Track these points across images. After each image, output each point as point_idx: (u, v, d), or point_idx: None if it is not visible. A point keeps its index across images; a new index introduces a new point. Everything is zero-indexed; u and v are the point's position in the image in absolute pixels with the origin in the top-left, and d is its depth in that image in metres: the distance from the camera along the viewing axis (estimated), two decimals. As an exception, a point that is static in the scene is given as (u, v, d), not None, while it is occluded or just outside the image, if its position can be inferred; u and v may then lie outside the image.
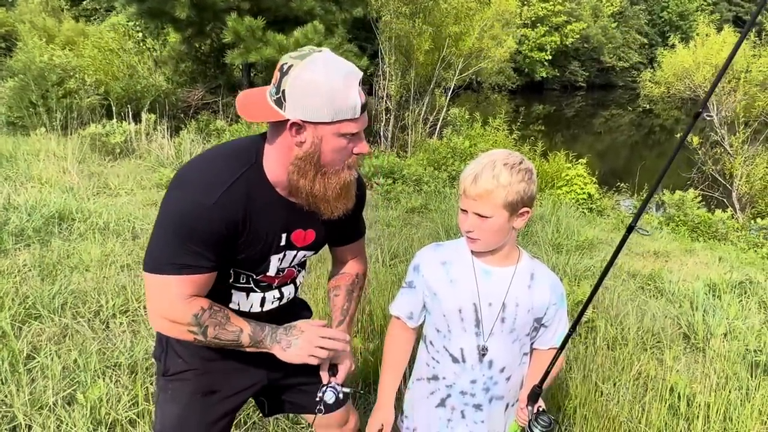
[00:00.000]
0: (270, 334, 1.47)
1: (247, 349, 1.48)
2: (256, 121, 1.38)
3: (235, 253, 1.43)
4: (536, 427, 1.40)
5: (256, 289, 1.59)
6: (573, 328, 1.46)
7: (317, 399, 1.58)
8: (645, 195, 9.72)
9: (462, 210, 1.51)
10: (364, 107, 1.34)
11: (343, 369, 1.63)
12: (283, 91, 1.31)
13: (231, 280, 1.53)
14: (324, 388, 1.58)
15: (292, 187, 1.41)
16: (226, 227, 1.36)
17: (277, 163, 1.40)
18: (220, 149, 1.48)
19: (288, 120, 1.32)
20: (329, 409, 1.69)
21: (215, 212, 1.33)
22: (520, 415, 1.54)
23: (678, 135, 12.82)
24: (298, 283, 1.72)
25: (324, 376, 1.61)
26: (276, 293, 1.63)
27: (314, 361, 1.47)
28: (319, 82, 1.28)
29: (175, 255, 1.35)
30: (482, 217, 1.46)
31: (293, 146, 1.36)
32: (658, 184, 1.36)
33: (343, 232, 1.69)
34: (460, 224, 1.53)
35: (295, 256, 1.59)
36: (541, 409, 1.45)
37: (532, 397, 1.46)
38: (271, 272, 1.56)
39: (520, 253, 1.62)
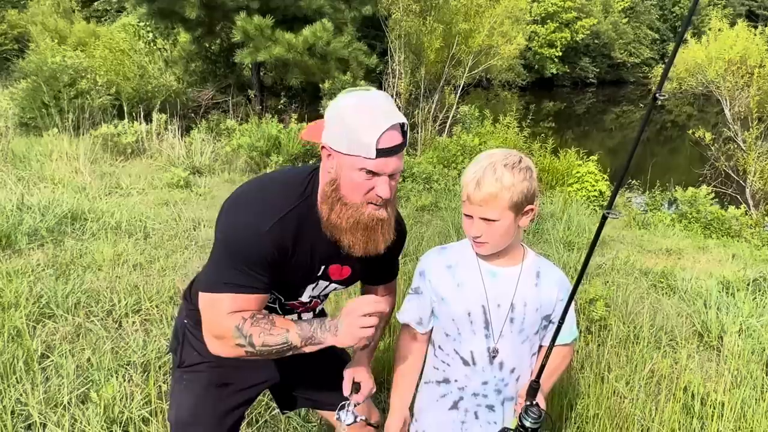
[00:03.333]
0: (319, 327, 1.44)
1: (305, 349, 1.44)
2: (307, 138, 1.47)
3: (279, 276, 1.47)
4: (526, 419, 1.41)
5: (280, 312, 1.64)
6: (569, 302, 1.45)
7: (336, 417, 1.60)
8: (651, 191, 9.65)
9: (467, 215, 1.50)
10: (387, 152, 1.34)
11: (366, 388, 1.62)
12: (325, 116, 1.40)
13: None
14: (344, 408, 1.59)
15: (323, 216, 1.44)
16: (278, 252, 1.42)
17: (320, 191, 1.46)
18: (279, 176, 1.57)
19: (323, 145, 1.40)
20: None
21: (268, 238, 1.39)
22: (517, 410, 1.54)
23: (690, 131, 12.68)
24: (317, 312, 1.76)
25: (346, 389, 1.60)
26: (295, 317, 1.68)
27: (368, 333, 1.39)
28: (345, 112, 1.35)
29: (228, 275, 1.40)
30: (489, 221, 1.45)
31: (326, 173, 1.42)
32: (628, 164, 1.35)
33: (376, 271, 1.71)
34: (466, 230, 1.52)
35: (326, 287, 1.63)
36: (534, 403, 1.44)
37: (530, 392, 1.45)
38: (303, 299, 1.60)
39: (525, 251, 1.61)
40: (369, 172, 1.35)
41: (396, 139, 1.35)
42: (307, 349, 1.44)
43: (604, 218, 1.34)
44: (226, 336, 1.41)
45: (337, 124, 1.35)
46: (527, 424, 1.40)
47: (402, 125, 1.37)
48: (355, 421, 1.59)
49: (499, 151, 1.49)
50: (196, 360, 1.66)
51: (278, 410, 2.04)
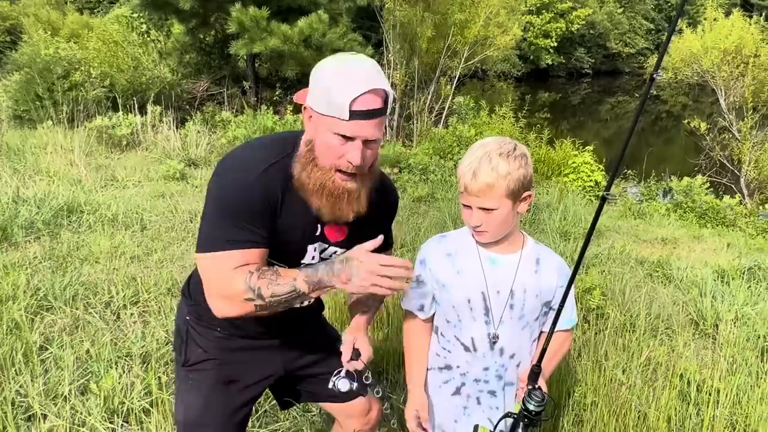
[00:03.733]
0: (326, 271, 1.38)
1: (312, 295, 1.41)
2: (296, 101, 1.50)
3: (276, 234, 1.45)
4: (530, 403, 1.42)
5: None
6: (570, 282, 1.46)
7: (330, 385, 1.59)
8: (647, 181, 9.68)
9: (465, 206, 1.50)
10: (361, 115, 1.32)
11: (365, 355, 1.61)
12: (310, 78, 1.39)
13: None
14: (339, 374, 1.58)
15: (296, 174, 1.44)
16: (267, 202, 1.41)
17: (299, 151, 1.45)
18: (259, 139, 1.57)
19: (304, 105, 1.40)
20: (342, 396, 1.69)
21: (255, 186, 1.39)
22: (519, 394, 1.55)
23: (686, 121, 12.70)
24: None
25: (346, 355, 1.58)
26: None
27: (379, 291, 1.33)
28: (324, 73, 1.35)
29: (223, 232, 1.40)
30: (487, 210, 1.46)
31: (306, 133, 1.43)
32: (625, 149, 1.36)
33: (369, 237, 1.68)
34: (466, 220, 1.53)
35: (325, 250, 1.60)
36: (537, 387, 1.45)
37: (532, 377, 1.46)
38: (306, 260, 1.57)
39: (525, 238, 1.63)
40: (343, 136, 1.34)
41: (374, 103, 1.33)
42: (315, 294, 1.42)
43: (603, 200, 1.35)
44: (234, 293, 1.38)
45: (317, 84, 1.36)
46: (531, 407, 1.41)
47: (385, 92, 1.35)
48: (351, 389, 1.59)
49: (492, 140, 1.49)
50: (202, 357, 1.64)
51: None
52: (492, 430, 1.52)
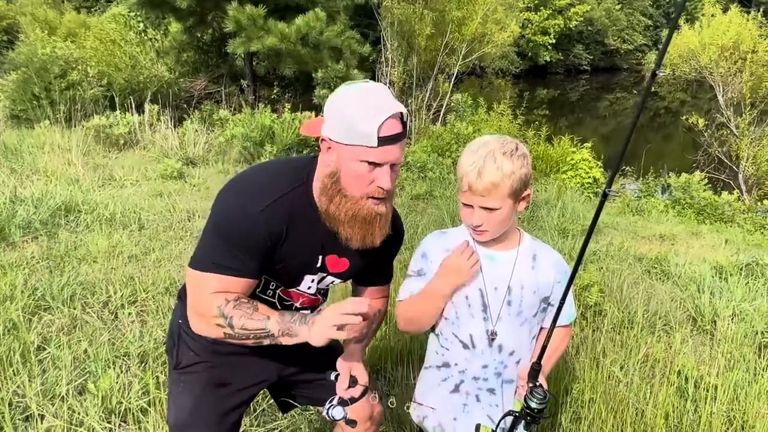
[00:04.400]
0: (298, 320, 1.44)
1: (281, 340, 1.43)
2: (305, 133, 1.48)
3: (273, 262, 1.47)
4: (532, 401, 1.42)
5: (278, 306, 1.63)
6: (573, 273, 1.44)
7: (324, 413, 1.61)
8: (645, 177, 9.68)
9: (466, 205, 1.50)
10: (388, 140, 1.34)
11: (362, 382, 1.63)
12: (324, 110, 1.40)
13: (258, 290, 1.57)
14: (332, 402, 1.59)
15: (322, 207, 1.45)
16: (269, 237, 1.42)
17: (317, 182, 1.46)
18: (275, 163, 1.57)
19: (323, 138, 1.40)
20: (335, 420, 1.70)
21: (258, 221, 1.39)
22: (519, 392, 1.55)
23: (684, 117, 12.70)
24: (315, 310, 1.75)
25: (342, 383, 1.60)
26: None
27: (336, 335, 1.39)
28: (345, 104, 1.35)
29: (213, 254, 1.42)
30: (490, 209, 1.46)
31: (325, 165, 1.42)
32: (627, 144, 1.36)
33: (371, 270, 1.70)
34: (466, 219, 1.52)
35: (324, 279, 1.63)
36: (538, 384, 1.45)
37: (532, 374, 1.46)
38: (302, 288, 1.59)
39: (521, 235, 1.62)
40: (371, 163, 1.35)
41: (396, 127, 1.35)
42: (283, 341, 1.44)
43: (605, 196, 1.34)
44: (207, 314, 1.43)
45: (338, 116, 1.36)
46: (533, 405, 1.41)
47: (401, 115, 1.37)
48: (345, 416, 1.60)
49: (492, 139, 1.49)
50: (193, 360, 1.65)
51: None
52: (494, 429, 1.52)
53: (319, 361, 1.73)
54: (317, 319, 1.41)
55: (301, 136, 8.25)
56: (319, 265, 1.56)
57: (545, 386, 1.49)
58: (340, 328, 1.38)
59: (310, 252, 1.52)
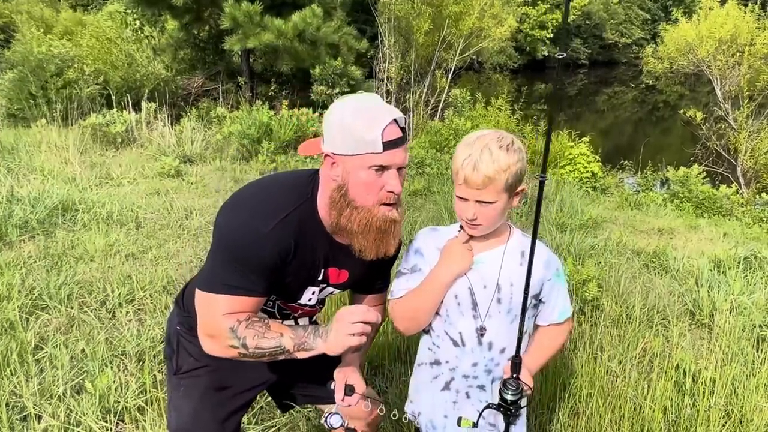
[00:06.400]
0: (312, 333, 1.44)
1: (296, 354, 1.44)
2: (304, 153, 1.50)
3: (281, 278, 1.47)
4: (506, 393, 1.42)
5: (277, 316, 1.64)
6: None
7: (323, 421, 1.60)
8: (643, 171, 9.66)
9: (461, 198, 1.49)
10: (393, 144, 1.36)
11: (359, 390, 1.62)
12: (323, 127, 1.41)
13: None
14: (332, 412, 1.59)
15: (332, 221, 1.45)
16: (278, 255, 1.41)
17: (322, 198, 1.46)
18: (279, 178, 1.56)
19: (325, 154, 1.40)
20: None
21: (268, 240, 1.39)
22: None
23: (682, 111, 12.69)
24: (312, 320, 1.76)
25: (339, 393, 1.60)
26: (292, 323, 1.67)
27: (355, 342, 1.39)
28: (343, 117, 1.36)
29: (226, 276, 1.40)
30: (485, 203, 1.45)
31: (330, 180, 1.42)
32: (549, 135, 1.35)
33: (370, 279, 1.71)
34: (461, 213, 1.51)
35: (323, 290, 1.63)
36: (513, 376, 1.44)
37: (513, 368, 1.46)
38: (302, 301, 1.60)
39: (511, 231, 1.61)
40: (379, 168, 1.36)
41: (397, 132, 1.38)
42: (299, 355, 1.44)
43: (542, 183, 1.35)
44: (219, 336, 1.41)
45: (338, 130, 1.37)
46: (508, 396, 1.42)
47: (399, 120, 1.39)
48: (343, 425, 1.60)
49: (489, 133, 1.48)
50: (193, 365, 1.65)
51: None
52: (475, 422, 1.52)
53: (319, 359, 1.73)
54: (331, 329, 1.42)
55: (299, 133, 8.24)
56: (320, 277, 1.57)
57: (529, 381, 1.48)
58: (356, 335, 1.39)
59: (314, 266, 1.53)
